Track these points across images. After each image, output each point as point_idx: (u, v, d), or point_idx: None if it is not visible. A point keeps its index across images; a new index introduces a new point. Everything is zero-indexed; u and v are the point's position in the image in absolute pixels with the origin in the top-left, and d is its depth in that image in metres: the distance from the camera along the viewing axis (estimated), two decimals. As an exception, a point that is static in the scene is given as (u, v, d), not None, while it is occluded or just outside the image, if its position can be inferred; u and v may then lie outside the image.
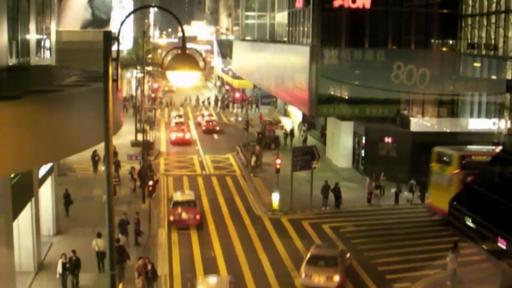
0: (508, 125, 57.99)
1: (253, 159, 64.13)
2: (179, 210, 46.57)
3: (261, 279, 37.12)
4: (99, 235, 37.19)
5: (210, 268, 38.38)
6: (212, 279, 35.58)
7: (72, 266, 34.03)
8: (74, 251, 34.59)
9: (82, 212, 46.72)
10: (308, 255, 37.47)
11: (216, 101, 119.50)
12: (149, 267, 34.03)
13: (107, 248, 34.88)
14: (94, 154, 59.31)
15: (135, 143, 71.77)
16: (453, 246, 38.02)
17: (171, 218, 46.58)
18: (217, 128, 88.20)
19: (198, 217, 46.79)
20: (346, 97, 60.30)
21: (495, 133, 58.06)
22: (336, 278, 35.30)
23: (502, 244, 29.91)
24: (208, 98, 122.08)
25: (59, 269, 33.93)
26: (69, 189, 47.96)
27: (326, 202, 51.73)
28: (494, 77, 60.47)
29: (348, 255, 38.90)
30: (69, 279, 33.98)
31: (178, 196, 48.95)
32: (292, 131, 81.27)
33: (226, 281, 33.86)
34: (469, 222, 33.39)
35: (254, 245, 42.96)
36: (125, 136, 74.42)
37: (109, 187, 15.80)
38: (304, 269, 36.33)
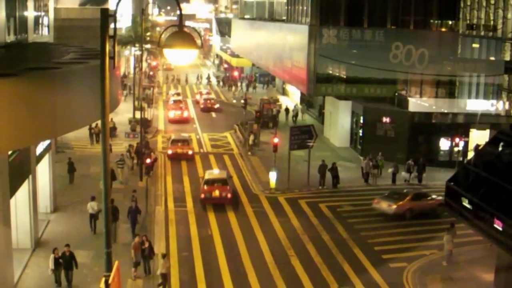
0: (506, 107, 58.07)
1: (251, 137, 64.15)
2: (176, 145, 59.10)
3: (257, 257, 37.18)
4: (92, 198, 39.90)
5: (207, 245, 38.48)
6: (216, 170, 52.25)
7: (66, 262, 31.62)
8: (68, 245, 32.06)
9: (80, 189, 46.69)
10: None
11: (223, 79, 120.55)
12: (146, 245, 34.09)
13: (99, 210, 37.45)
14: (91, 127, 59.71)
15: (133, 121, 71.65)
16: (449, 226, 38.13)
17: (170, 152, 58.70)
18: (215, 107, 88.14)
19: (190, 152, 59.36)
20: (345, 77, 60.25)
21: (493, 114, 58.20)
22: (393, 207, 44.65)
23: (498, 226, 29.96)
24: (218, 77, 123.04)
25: (51, 265, 31.46)
26: (70, 159, 50.73)
27: (323, 182, 51.77)
28: (492, 58, 60.40)
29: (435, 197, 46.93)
30: (62, 275, 31.77)
31: (175, 136, 62.04)
32: (287, 109, 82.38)
33: (225, 172, 50.71)
34: (466, 203, 33.42)
35: (251, 224, 43.02)
36: (123, 114, 74.36)
37: (105, 164, 15.81)
38: (378, 197, 46.42)
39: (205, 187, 46.92)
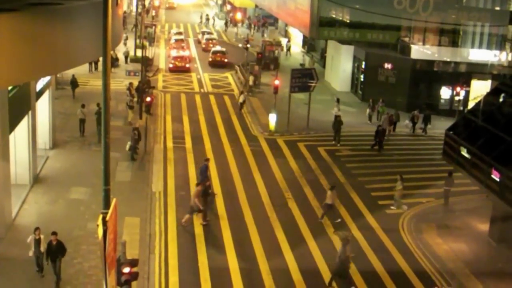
0: (509, 58, 57.79)
1: (251, 78, 63.98)
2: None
3: (254, 198, 37.40)
4: (83, 106, 46.57)
5: (205, 186, 38.55)
6: (218, 47, 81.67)
7: (53, 252, 26.38)
8: (55, 233, 26.57)
9: (79, 126, 46.49)
10: None
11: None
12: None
13: (86, 115, 42.14)
14: None
15: (133, 59, 71.39)
16: (447, 175, 38.18)
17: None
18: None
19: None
20: (348, 21, 59.74)
21: (495, 65, 58.00)
22: None
23: (495, 176, 30.07)
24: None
25: (32, 246, 26.78)
26: (73, 76, 56.14)
27: (338, 138, 49.65)
28: (497, 8, 59.89)
29: None
30: (49, 265, 26.67)
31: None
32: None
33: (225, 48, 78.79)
34: (464, 153, 33.49)
35: (249, 165, 43.13)
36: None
37: (105, 99, 15.77)
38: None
39: (212, 55, 77.49)
